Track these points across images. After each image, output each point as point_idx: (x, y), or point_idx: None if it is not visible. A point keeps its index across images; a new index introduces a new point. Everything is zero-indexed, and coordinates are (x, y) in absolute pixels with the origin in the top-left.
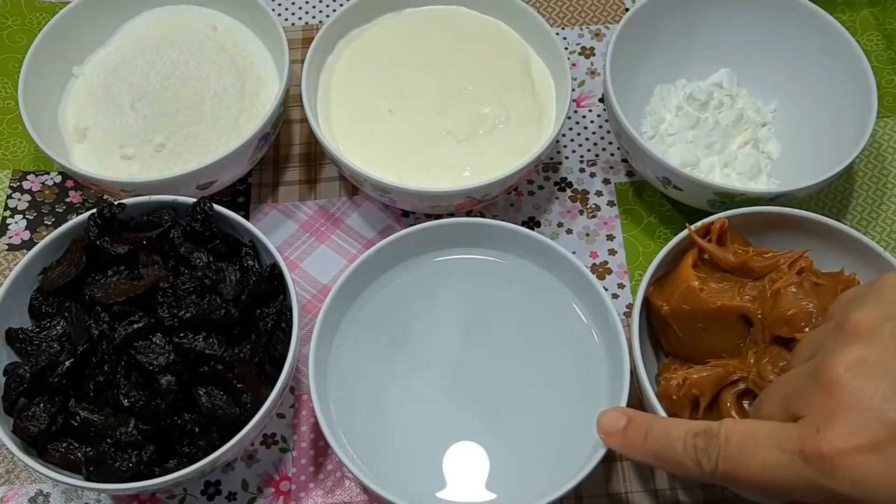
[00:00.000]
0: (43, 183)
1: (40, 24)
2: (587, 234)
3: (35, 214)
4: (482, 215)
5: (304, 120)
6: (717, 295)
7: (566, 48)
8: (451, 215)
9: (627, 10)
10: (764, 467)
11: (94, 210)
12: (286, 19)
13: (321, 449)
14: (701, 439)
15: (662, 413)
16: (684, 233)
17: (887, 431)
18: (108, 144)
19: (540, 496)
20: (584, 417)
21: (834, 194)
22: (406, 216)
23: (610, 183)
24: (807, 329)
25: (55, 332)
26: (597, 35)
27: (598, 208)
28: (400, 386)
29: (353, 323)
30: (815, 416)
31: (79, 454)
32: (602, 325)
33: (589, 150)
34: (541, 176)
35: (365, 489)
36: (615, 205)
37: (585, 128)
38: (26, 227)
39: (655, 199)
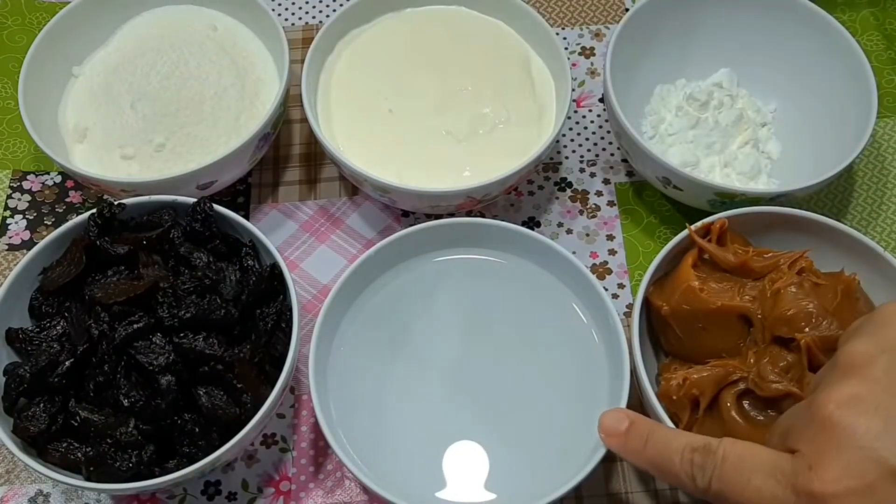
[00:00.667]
0: (43, 183)
1: (40, 24)
2: (587, 234)
3: (35, 214)
4: (482, 215)
5: (304, 120)
6: (717, 295)
7: (566, 48)
8: (451, 215)
9: (627, 10)
10: (756, 494)
11: (94, 210)
12: (286, 19)
13: (321, 449)
14: (699, 455)
15: (663, 413)
16: (684, 233)
17: (878, 472)
18: (108, 144)
19: (540, 496)
20: (584, 417)
21: (834, 194)
22: (406, 216)
23: (610, 183)
24: (807, 329)
25: (55, 332)
26: (597, 35)
27: (598, 208)
28: (400, 386)
29: (353, 323)
30: (808, 451)
31: (79, 454)
32: (602, 325)
33: (589, 150)
34: (541, 176)
35: (365, 489)
36: (615, 205)
37: (585, 128)
38: (26, 227)
39: (655, 199)
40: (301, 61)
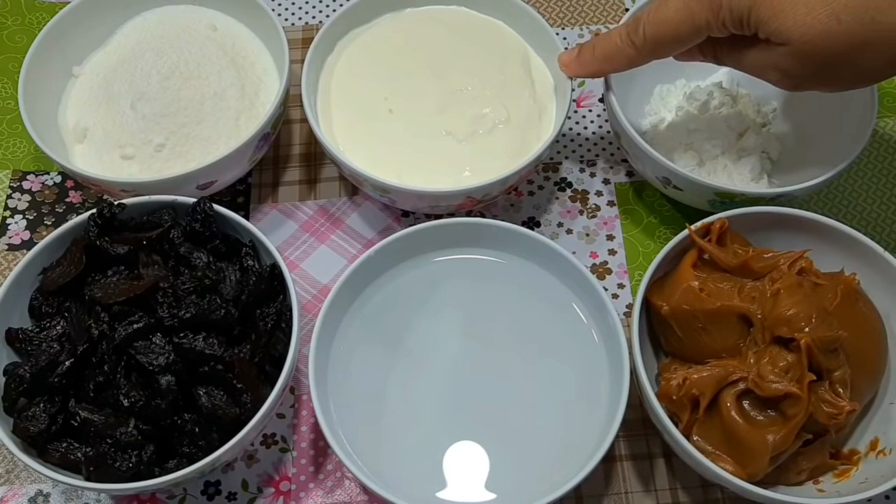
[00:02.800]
0: (43, 183)
1: (40, 24)
2: (587, 234)
3: (35, 214)
4: (482, 215)
5: (304, 120)
6: (717, 295)
7: (566, 48)
8: (451, 215)
9: (627, 10)
10: (676, 13)
11: (94, 210)
12: (286, 19)
13: (321, 449)
14: (631, 24)
15: (663, 413)
16: (684, 233)
17: None
18: (108, 144)
19: (540, 496)
20: (584, 417)
21: (834, 194)
22: (406, 216)
23: (610, 183)
24: (807, 329)
25: (55, 332)
26: (597, 35)
27: (598, 208)
28: (400, 386)
29: (353, 323)
30: None
31: (79, 454)
32: (602, 325)
33: (589, 150)
34: (541, 176)
35: (365, 489)
36: (615, 205)
37: (585, 128)
38: (26, 227)
39: (655, 199)
40: (301, 61)
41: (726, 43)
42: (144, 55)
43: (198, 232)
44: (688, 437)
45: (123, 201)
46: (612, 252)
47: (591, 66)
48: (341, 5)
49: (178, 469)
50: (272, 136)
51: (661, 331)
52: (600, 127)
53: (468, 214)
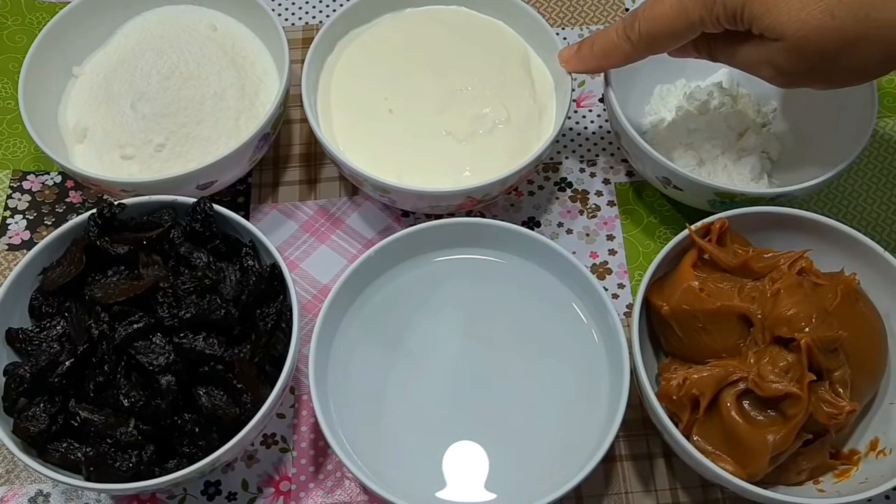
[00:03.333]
0: (43, 183)
1: (40, 24)
2: (587, 234)
3: (35, 214)
4: (482, 215)
5: (304, 120)
6: (717, 295)
7: None
8: (451, 215)
9: (627, 9)
10: (671, 9)
11: (94, 210)
12: (286, 19)
13: (321, 449)
14: (627, 20)
15: (663, 413)
16: (684, 233)
17: None
18: (108, 144)
19: (540, 496)
20: (584, 417)
21: (834, 194)
22: (406, 216)
23: (610, 183)
24: (807, 329)
25: (55, 332)
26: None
27: (598, 208)
28: (400, 386)
29: (353, 323)
30: None
31: (79, 454)
32: (602, 325)
33: (589, 150)
34: (541, 176)
35: (365, 489)
36: (615, 205)
37: (585, 128)
38: (26, 227)
39: (655, 199)
40: (301, 61)
41: (721, 39)
42: (144, 55)
43: (198, 232)
44: (688, 437)
45: (123, 201)
46: (612, 252)
47: (589, 62)
48: (341, 5)
49: (178, 469)
50: (272, 136)
51: (661, 331)
52: (600, 127)
53: (468, 214)
